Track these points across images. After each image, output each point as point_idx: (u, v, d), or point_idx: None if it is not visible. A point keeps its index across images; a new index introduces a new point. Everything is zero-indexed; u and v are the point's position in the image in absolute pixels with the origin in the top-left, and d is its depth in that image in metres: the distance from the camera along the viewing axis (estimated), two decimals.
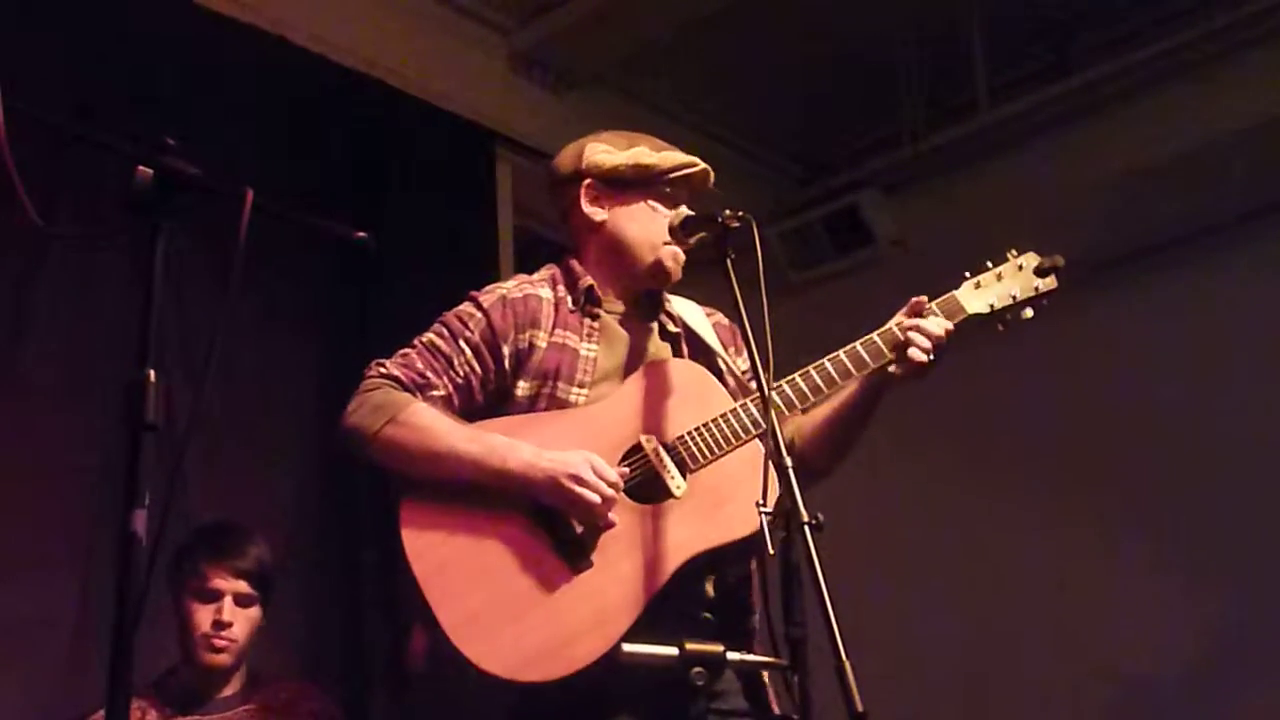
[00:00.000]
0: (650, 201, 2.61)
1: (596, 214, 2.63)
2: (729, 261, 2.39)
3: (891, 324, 2.55)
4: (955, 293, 2.61)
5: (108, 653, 1.70)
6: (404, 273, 4.33)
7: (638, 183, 2.61)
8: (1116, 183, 5.25)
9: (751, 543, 2.31)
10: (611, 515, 2.35)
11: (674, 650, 2.02)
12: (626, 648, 2.03)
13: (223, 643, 3.07)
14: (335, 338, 4.37)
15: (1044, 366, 5.53)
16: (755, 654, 2.35)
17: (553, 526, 2.36)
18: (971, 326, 2.59)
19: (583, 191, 2.64)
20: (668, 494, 2.40)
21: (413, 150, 4.83)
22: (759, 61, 5.47)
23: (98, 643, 3.34)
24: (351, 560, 4.21)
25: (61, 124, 2.04)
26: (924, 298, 2.56)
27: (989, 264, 2.64)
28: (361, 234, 2.02)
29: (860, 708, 1.87)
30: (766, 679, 2.44)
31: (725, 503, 2.37)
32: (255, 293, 4.08)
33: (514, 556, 2.34)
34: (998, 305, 2.60)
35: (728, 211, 2.41)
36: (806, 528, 2.00)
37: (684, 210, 2.59)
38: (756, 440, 2.41)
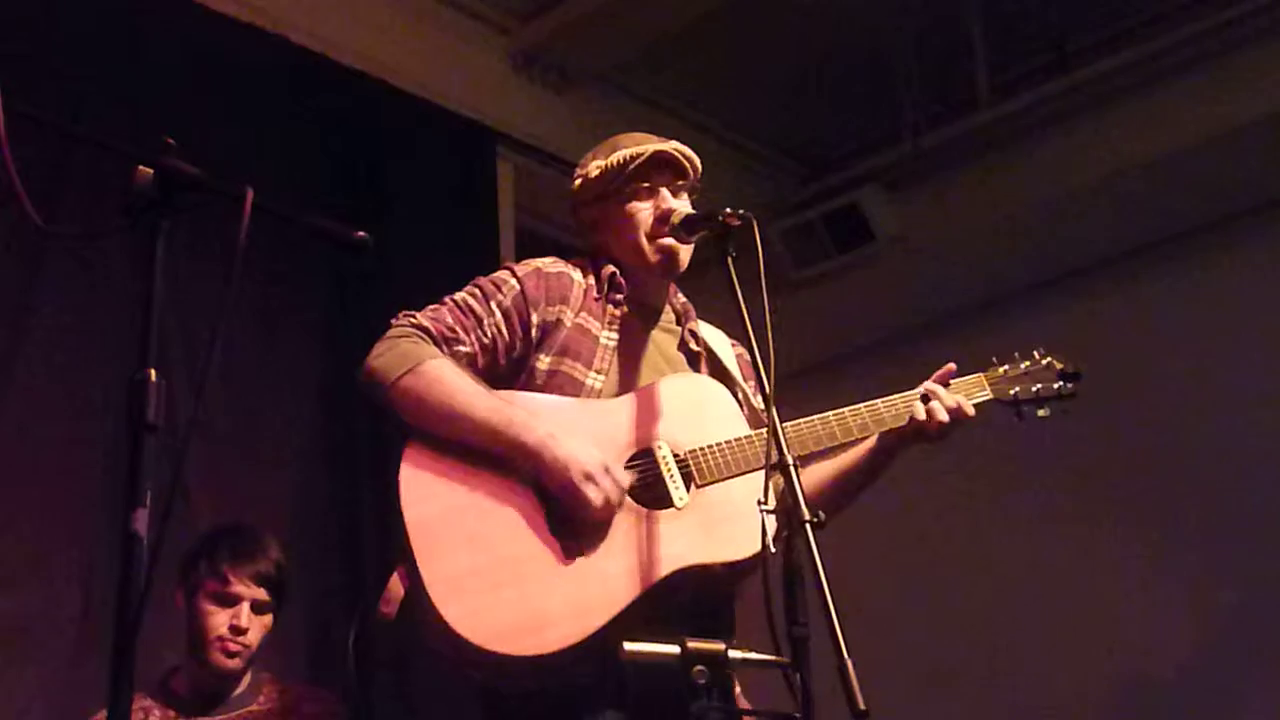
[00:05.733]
0: (627, 205, 2.62)
1: (593, 231, 2.70)
2: (730, 259, 2.39)
3: (914, 392, 2.58)
4: (982, 375, 2.68)
5: (109, 652, 1.70)
6: (405, 272, 4.32)
7: (608, 191, 2.64)
8: (1117, 179, 5.25)
9: (742, 568, 2.32)
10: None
11: (675, 649, 2.01)
12: (628, 646, 2.02)
13: (237, 647, 3.06)
14: (336, 337, 4.37)
15: None
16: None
17: (552, 508, 2.35)
18: (989, 409, 2.66)
19: (580, 217, 2.71)
20: (669, 503, 2.40)
21: (413, 149, 4.83)
22: (760, 59, 5.47)
23: (100, 642, 3.34)
24: (354, 561, 4.21)
25: (62, 124, 2.04)
26: (953, 365, 2.63)
27: (1016, 355, 2.72)
28: (361, 234, 2.02)
29: (862, 706, 1.87)
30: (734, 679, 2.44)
31: (724, 523, 2.37)
32: (256, 292, 4.09)
33: (509, 527, 2.33)
34: (1020, 396, 2.68)
35: (728, 209, 2.42)
36: (808, 526, 2.00)
37: (684, 210, 2.60)
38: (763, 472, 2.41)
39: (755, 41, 5.32)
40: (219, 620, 3.05)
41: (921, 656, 5.22)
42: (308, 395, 4.27)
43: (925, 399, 2.54)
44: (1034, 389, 2.68)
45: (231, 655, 3.06)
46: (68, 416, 3.72)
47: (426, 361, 2.42)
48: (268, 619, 3.13)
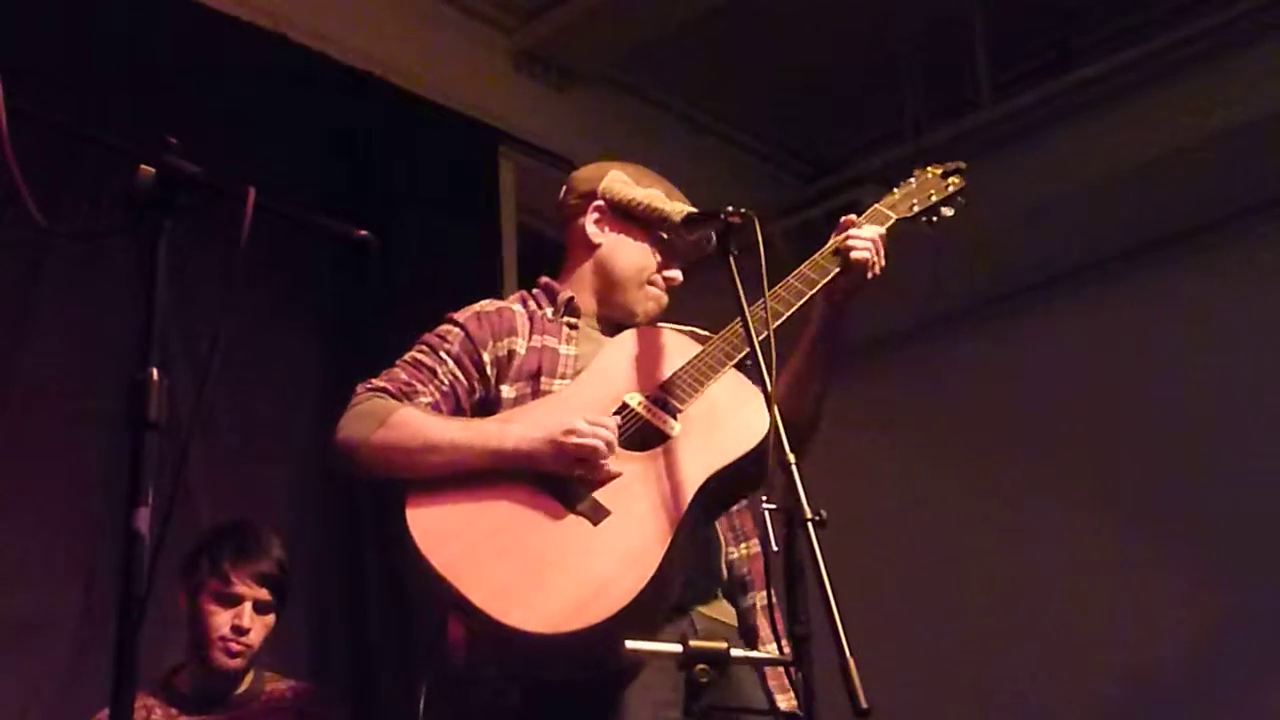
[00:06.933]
0: (649, 244, 2.66)
1: (596, 236, 2.68)
2: (732, 258, 2.39)
3: (826, 245, 2.61)
4: (877, 205, 2.75)
5: (112, 651, 1.70)
6: (407, 271, 4.33)
7: (644, 222, 2.66)
8: (1120, 178, 5.25)
9: (756, 459, 2.33)
10: (614, 466, 2.35)
11: (677, 647, 2.02)
12: (630, 645, 2.03)
13: (239, 648, 3.05)
14: (338, 336, 4.37)
15: (1045, 365, 5.54)
16: (765, 642, 2.38)
17: (560, 489, 2.35)
18: (902, 231, 2.75)
19: (590, 210, 2.70)
20: (664, 437, 2.41)
21: (415, 148, 4.83)
22: (761, 58, 5.47)
23: (102, 641, 3.34)
24: (355, 558, 4.22)
25: (64, 123, 2.04)
26: (852, 216, 2.67)
27: (900, 180, 2.86)
28: (363, 232, 2.01)
29: (864, 704, 1.87)
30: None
31: (720, 427, 2.39)
32: (258, 291, 4.08)
33: (529, 524, 2.33)
34: (919, 206, 2.79)
35: (730, 208, 2.42)
36: (810, 524, 2.00)
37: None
38: (735, 369, 2.46)
39: (757, 41, 5.32)
40: (221, 620, 3.05)
41: (922, 654, 5.22)
42: (308, 394, 4.26)
43: (842, 240, 2.57)
44: (929, 196, 2.80)
45: (234, 655, 3.06)
46: (70, 414, 3.72)
47: (393, 413, 2.44)
48: (270, 618, 3.12)
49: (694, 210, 2.59)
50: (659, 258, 2.66)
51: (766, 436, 2.24)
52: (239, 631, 3.05)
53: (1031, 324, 5.65)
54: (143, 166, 1.84)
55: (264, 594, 3.09)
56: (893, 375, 5.55)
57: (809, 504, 2.03)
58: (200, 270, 3.46)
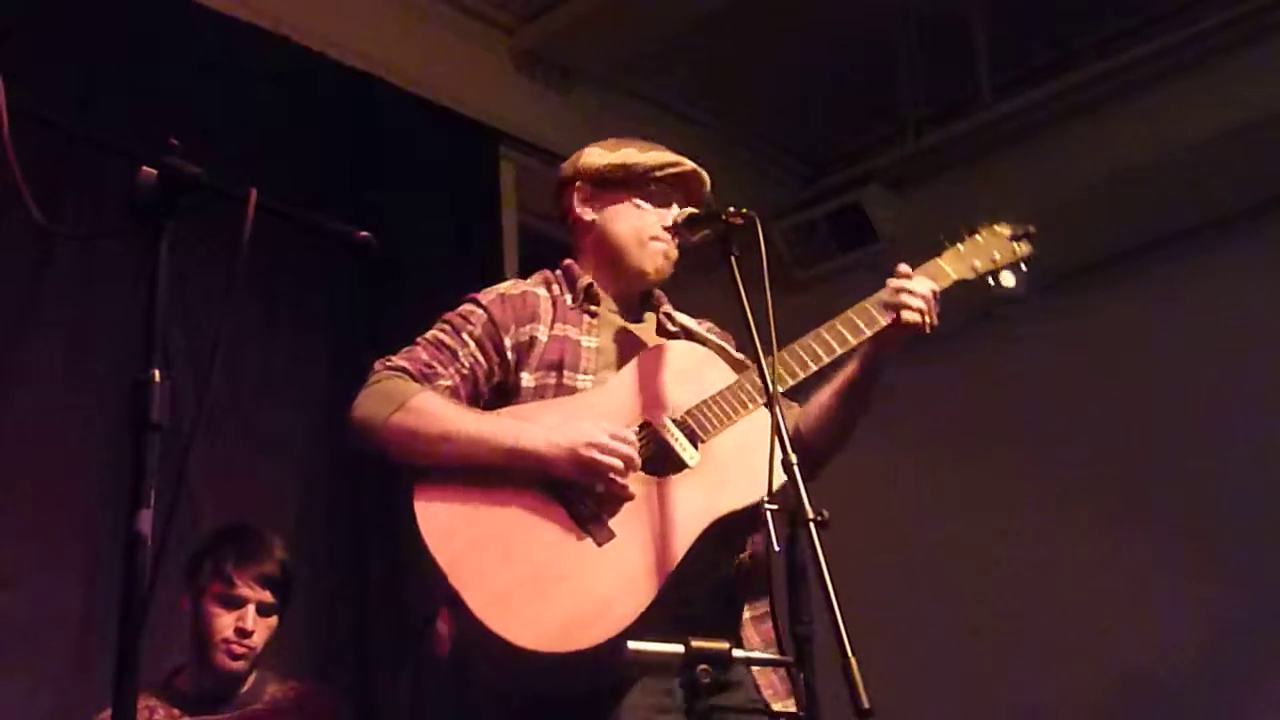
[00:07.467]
0: (636, 200, 2.67)
1: (587, 214, 2.70)
2: (733, 259, 2.39)
3: (880, 293, 2.58)
4: (938, 259, 2.67)
5: (114, 652, 1.70)
6: (408, 271, 4.32)
7: (624, 182, 2.67)
8: (1121, 178, 5.24)
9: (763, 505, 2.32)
10: (630, 485, 2.34)
11: (679, 648, 2.02)
12: (632, 645, 2.02)
13: (242, 650, 3.06)
14: (340, 337, 4.37)
15: (1047, 364, 5.54)
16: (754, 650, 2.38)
17: (569, 500, 2.35)
18: (957, 290, 2.65)
19: (575, 193, 2.72)
20: (681, 465, 2.40)
21: (414, 149, 4.83)
22: (762, 58, 5.47)
23: (104, 642, 3.34)
24: (359, 559, 4.21)
25: (66, 123, 2.04)
26: (905, 266, 2.60)
27: (965, 232, 2.71)
28: (363, 234, 2.01)
29: (866, 704, 1.87)
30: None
31: (736, 470, 2.38)
32: (260, 292, 4.10)
33: (534, 533, 2.33)
34: (980, 269, 2.68)
35: (731, 209, 2.42)
36: (812, 525, 2.00)
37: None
38: (764, 408, 2.41)
39: (757, 40, 5.32)
40: (224, 623, 3.05)
41: (922, 654, 5.22)
42: (311, 394, 4.26)
43: (895, 293, 2.54)
44: (994, 257, 2.67)
45: (236, 658, 3.06)
46: (73, 415, 3.72)
47: (413, 397, 2.43)
48: (273, 620, 3.13)
49: (696, 212, 2.59)
50: (653, 211, 2.65)
51: (778, 492, 2.20)
52: (242, 634, 3.05)
53: (1032, 324, 5.65)
54: (144, 168, 1.84)
55: (267, 596, 3.09)
56: (892, 375, 5.55)
57: (811, 504, 2.03)
58: (202, 271, 3.47)
